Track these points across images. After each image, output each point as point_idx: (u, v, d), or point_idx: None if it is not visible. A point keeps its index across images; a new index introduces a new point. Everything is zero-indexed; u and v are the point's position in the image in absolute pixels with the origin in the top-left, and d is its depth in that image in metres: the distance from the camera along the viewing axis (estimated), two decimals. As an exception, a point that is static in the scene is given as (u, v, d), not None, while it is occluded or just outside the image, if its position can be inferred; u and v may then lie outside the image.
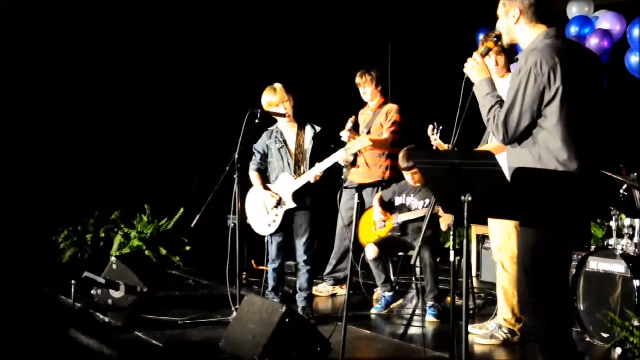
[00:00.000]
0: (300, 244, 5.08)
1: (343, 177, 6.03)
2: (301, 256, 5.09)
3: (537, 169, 3.06)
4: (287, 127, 5.18)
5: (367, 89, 5.93)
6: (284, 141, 5.14)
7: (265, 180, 5.20)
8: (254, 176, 5.20)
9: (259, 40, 8.07)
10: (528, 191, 3.05)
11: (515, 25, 3.21)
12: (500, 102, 3.17)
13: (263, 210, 5.12)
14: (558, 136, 3.02)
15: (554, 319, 3.12)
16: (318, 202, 5.15)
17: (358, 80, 5.94)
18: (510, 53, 4.67)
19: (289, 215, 5.07)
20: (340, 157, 4.95)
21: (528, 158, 3.10)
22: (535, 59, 3.01)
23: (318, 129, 5.17)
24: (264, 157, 5.21)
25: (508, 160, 3.25)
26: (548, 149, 3.04)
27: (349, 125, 5.63)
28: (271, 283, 5.16)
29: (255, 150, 5.26)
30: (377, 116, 5.95)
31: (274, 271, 5.15)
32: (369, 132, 5.91)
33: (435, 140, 5.00)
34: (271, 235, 5.13)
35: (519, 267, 3.20)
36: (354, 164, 5.91)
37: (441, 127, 4.94)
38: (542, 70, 3.00)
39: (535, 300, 3.11)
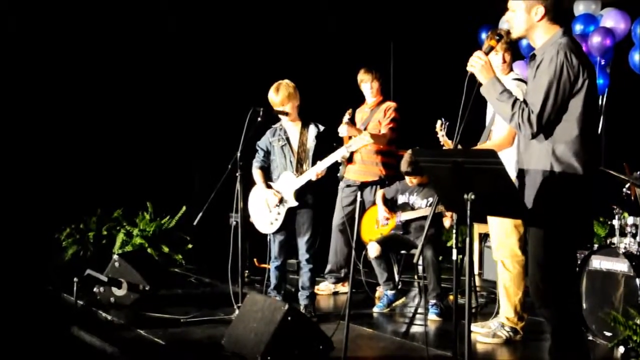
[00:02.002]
0: (302, 242, 5.08)
1: (339, 174, 6.02)
2: (303, 254, 5.09)
3: (551, 171, 3.10)
4: (290, 125, 5.17)
5: (373, 83, 5.92)
6: (287, 139, 5.14)
7: (268, 177, 5.20)
8: (256, 174, 5.20)
9: (262, 39, 8.07)
10: (541, 192, 3.09)
11: (538, 22, 3.24)
12: (517, 97, 3.20)
13: (265, 208, 5.12)
14: (577, 127, 3.09)
15: (567, 311, 3.17)
16: (320, 200, 5.15)
17: (363, 76, 5.92)
18: (514, 50, 4.66)
19: (291, 213, 5.07)
20: (341, 154, 4.95)
21: (543, 153, 3.13)
22: (565, 51, 3.09)
23: (322, 128, 5.16)
24: (267, 154, 5.21)
25: (520, 162, 3.26)
26: (565, 142, 3.10)
27: (346, 118, 5.63)
28: (273, 281, 5.16)
29: (258, 148, 5.26)
30: (374, 113, 5.94)
31: (276, 269, 5.15)
32: (365, 129, 5.90)
33: (443, 137, 4.98)
34: (273, 233, 5.13)
35: (531, 261, 3.23)
36: (349, 160, 5.90)
37: (448, 123, 4.92)
38: (572, 62, 3.08)
39: (549, 294, 3.14)
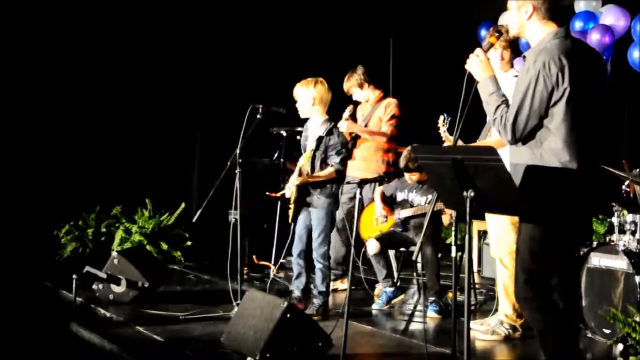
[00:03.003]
0: (313, 241, 5.08)
1: None
2: (314, 252, 5.09)
3: (540, 166, 3.07)
4: (312, 122, 5.19)
5: (355, 94, 5.96)
6: (305, 136, 5.18)
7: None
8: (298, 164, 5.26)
9: (261, 36, 8.06)
10: (529, 187, 3.06)
11: (528, 21, 3.20)
12: (506, 102, 3.18)
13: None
14: (560, 136, 3.04)
15: (550, 315, 3.12)
16: (333, 200, 5.13)
17: (345, 85, 5.97)
18: (515, 47, 4.65)
19: (301, 208, 5.08)
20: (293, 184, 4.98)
21: (530, 157, 3.10)
22: (544, 60, 3.02)
23: (326, 130, 5.06)
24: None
25: (510, 156, 3.25)
26: (550, 149, 3.06)
27: (346, 114, 5.62)
28: (294, 274, 5.21)
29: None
30: (375, 110, 5.94)
31: (294, 261, 5.19)
32: (366, 126, 5.90)
33: (444, 133, 4.97)
34: (294, 224, 5.15)
35: (516, 260, 3.20)
36: (349, 156, 5.90)
37: (450, 119, 4.90)
38: (550, 71, 3.01)
39: (531, 295, 3.12)
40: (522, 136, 3.10)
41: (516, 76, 4.41)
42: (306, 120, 5.24)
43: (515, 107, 3.08)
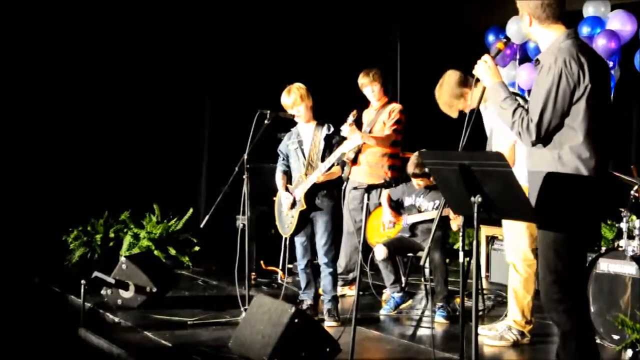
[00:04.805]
0: (319, 246, 5.07)
1: (343, 174, 6.00)
2: (321, 258, 5.08)
3: (559, 173, 3.08)
4: (304, 128, 5.19)
5: (374, 87, 5.92)
6: (299, 142, 5.17)
7: (290, 181, 5.23)
8: (278, 177, 5.24)
9: (268, 40, 8.08)
10: (550, 194, 3.07)
11: (530, 27, 3.24)
12: (520, 104, 3.18)
13: (284, 211, 5.14)
14: (581, 133, 3.06)
15: (577, 316, 3.13)
16: (337, 204, 5.12)
17: (363, 80, 5.92)
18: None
19: (305, 216, 5.06)
20: (338, 156, 4.94)
21: (548, 158, 3.12)
22: (564, 58, 3.05)
23: (332, 129, 5.14)
24: (287, 158, 5.23)
25: (528, 163, 3.26)
26: (570, 147, 3.08)
27: (350, 119, 5.63)
28: (302, 283, 5.20)
29: (279, 152, 5.30)
30: (380, 115, 5.94)
31: (302, 272, 5.18)
32: (371, 131, 5.90)
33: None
34: (292, 236, 5.14)
35: (541, 264, 3.21)
36: (354, 161, 5.91)
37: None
38: (572, 69, 3.04)
39: (559, 297, 3.12)
40: (546, 136, 3.10)
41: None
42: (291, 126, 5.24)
43: (539, 106, 3.08)
